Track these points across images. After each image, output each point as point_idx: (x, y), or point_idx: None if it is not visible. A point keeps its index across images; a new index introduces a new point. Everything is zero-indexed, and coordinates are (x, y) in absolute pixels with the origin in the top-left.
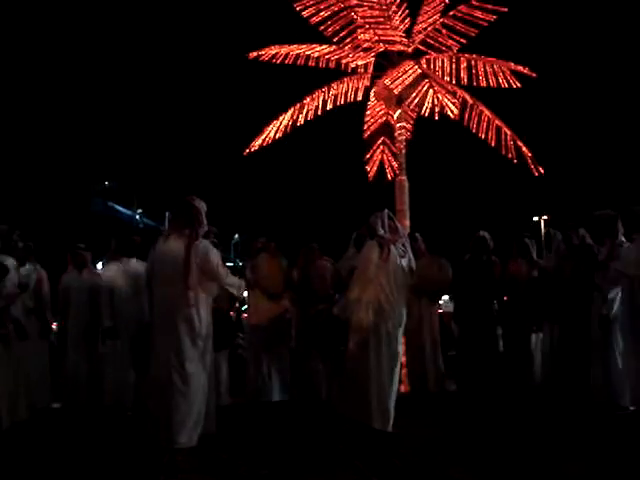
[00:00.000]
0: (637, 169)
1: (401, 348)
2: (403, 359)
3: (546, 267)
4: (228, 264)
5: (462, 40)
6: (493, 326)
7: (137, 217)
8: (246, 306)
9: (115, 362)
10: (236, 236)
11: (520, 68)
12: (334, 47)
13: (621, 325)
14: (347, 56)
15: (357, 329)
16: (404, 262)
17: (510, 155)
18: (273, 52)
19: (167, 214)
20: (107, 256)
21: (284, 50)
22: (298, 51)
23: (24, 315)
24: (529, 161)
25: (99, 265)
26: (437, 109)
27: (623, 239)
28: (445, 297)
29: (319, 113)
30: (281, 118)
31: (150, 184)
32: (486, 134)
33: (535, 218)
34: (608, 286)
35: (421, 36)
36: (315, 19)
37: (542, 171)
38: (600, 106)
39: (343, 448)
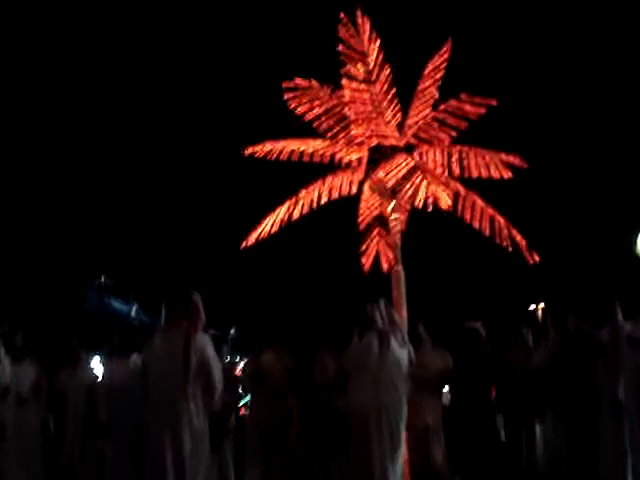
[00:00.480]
0: (630, 257)
1: (403, 443)
2: (406, 455)
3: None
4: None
5: (453, 133)
6: (492, 416)
7: (133, 313)
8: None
9: (115, 461)
10: (232, 331)
11: (511, 159)
12: (328, 142)
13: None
14: (341, 151)
15: (360, 424)
16: (404, 353)
17: (504, 243)
18: (268, 148)
19: (163, 309)
20: (107, 352)
21: (279, 146)
22: (292, 147)
23: (17, 409)
24: (523, 249)
25: (95, 361)
26: (430, 200)
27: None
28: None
29: (314, 207)
30: (277, 212)
31: (146, 279)
32: (480, 223)
33: (532, 306)
34: (616, 369)
35: (413, 130)
36: (309, 116)
37: (537, 258)
38: (590, 191)
39: None
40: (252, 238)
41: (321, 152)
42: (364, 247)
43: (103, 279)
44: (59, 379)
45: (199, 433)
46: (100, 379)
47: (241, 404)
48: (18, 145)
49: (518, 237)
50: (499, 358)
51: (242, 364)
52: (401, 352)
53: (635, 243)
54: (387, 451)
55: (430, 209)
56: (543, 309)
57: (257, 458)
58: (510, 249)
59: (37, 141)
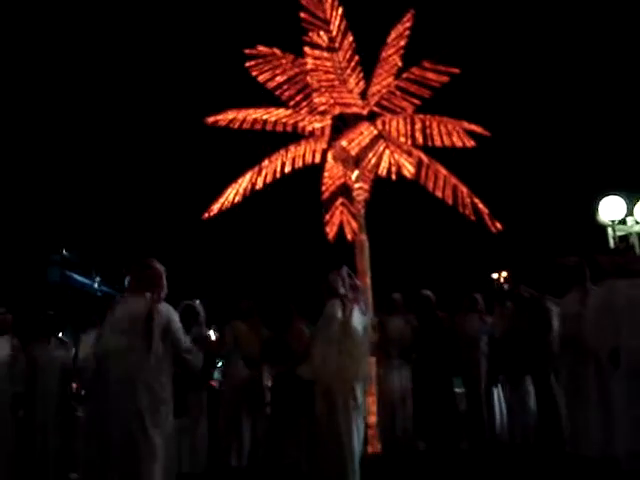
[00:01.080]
0: (591, 220)
1: (364, 407)
2: (373, 419)
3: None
4: None
5: (416, 101)
6: (449, 382)
7: (95, 285)
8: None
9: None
10: (197, 301)
11: (474, 127)
12: (290, 111)
13: None
14: (304, 119)
15: (323, 392)
16: (366, 319)
17: (467, 212)
18: (230, 117)
19: (126, 279)
20: (74, 325)
21: (241, 115)
22: (255, 115)
23: None
24: (486, 218)
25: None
26: (394, 169)
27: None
28: None
29: (277, 176)
30: (240, 181)
31: (108, 251)
32: (443, 192)
33: (494, 275)
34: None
35: (376, 98)
36: (271, 84)
37: (499, 227)
38: (553, 161)
39: None
40: (215, 208)
41: (284, 121)
42: (328, 216)
43: (64, 252)
44: (32, 351)
45: (162, 402)
46: (72, 352)
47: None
48: None
49: (481, 206)
50: (453, 323)
51: (211, 333)
52: (364, 320)
53: (597, 211)
54: (352, 418)
55: (394, 178)
56: (505, 277)
57: (231, 424)
58: (473, 218)
59: None
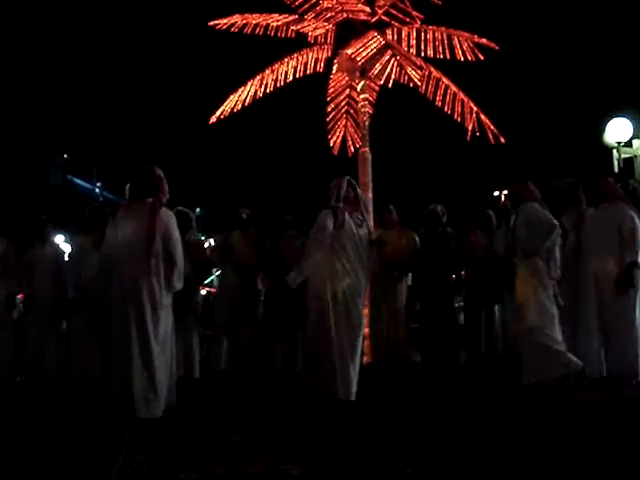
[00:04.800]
0: (597, 145)
1: (363, 319)
2: (366, 330)
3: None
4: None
5: (424, 12)
6: (450, 298)
7: (97, 190)
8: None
9: (80, 335)
10: (197, 210)
11: (483, 40)
12: (294, 16)
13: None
14: (308, 25)
15: (315, 297)
16: (361, 232)
17: (472, 126)
18: (232, 21)
19: (127, 186)
20: (75, 227)
21: (244, 19)
22: (257, 20)
23: None
24: (491, 131)
25: (60, 237)
26: (400, 80)
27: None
28: None
29: (280, 85)
30: (241, 90)
31: (110, 156)
32: (451, 108)
33: (496, 193)
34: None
35: (385, 6)
36: None
37: (503, 140)
38: (560, 80)
39: (306, 417)
40: (216, 115)
41: (286, 26)
42: (332, 127)
43: (66, 156)
44: (27, 254)
45: (162, 307)
46: (67, 255)
47: (206, 282)
48: None
49: (487, 121)
50: (462, 240)
51: (210, 242)
52: (358, 230)
53: (603, 132)
54: (344, 327)
55: (399, 90)
56: (506, 195)
57: (224, 333)
58: (478, 133)
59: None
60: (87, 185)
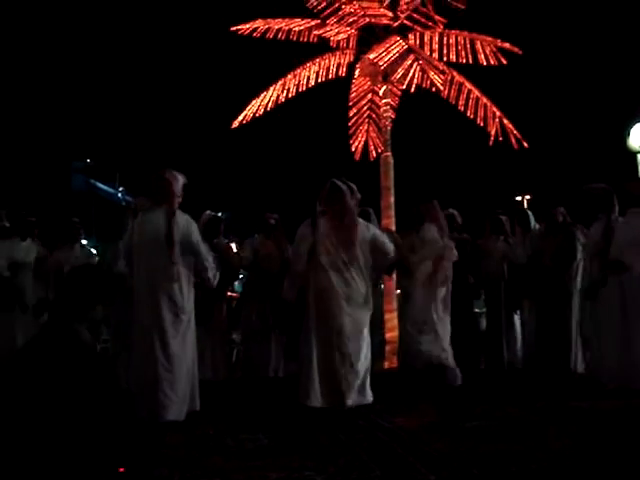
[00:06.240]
0: (621, 150)
1: (364, 324)
2: (387, 335)
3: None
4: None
5: (447, 17)
6: (469, 302)
7: (119, 195)
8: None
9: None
10: (220, 214)
11: (506, 45)
12: (316, 21)
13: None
14: (330, 30)
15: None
16: (366, 234)
17: (495, 131)
18: (255, 26)
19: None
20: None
21: (267, 24)
22: (280, 25)
23: None
24: (514, 136)
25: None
26: (423, 84)
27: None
28: None
29: (302, 90)
30: (263, 94)
31: (133, 161)
32: (474, 112)
33: (518, 198)
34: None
35: (407, 11)
36: None
37: (526, 145)
38: (585, 84)
39: (329, 422)
40: (238, 120)
41: (309, 31)
42: (354, 132)
43: (88, 161)
44: (56, 256)
45: (184, 312)
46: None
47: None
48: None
49: (510, 126)
50: (476, 244)
51: (234, 246)
52: (347, 233)
53: (628, 137)
54: (327, 334)
55: (422, 95)
56: (528, 200)
57: (252, 338)
58: (501, 138)
59: (22, 23)
60: (110, 190)
